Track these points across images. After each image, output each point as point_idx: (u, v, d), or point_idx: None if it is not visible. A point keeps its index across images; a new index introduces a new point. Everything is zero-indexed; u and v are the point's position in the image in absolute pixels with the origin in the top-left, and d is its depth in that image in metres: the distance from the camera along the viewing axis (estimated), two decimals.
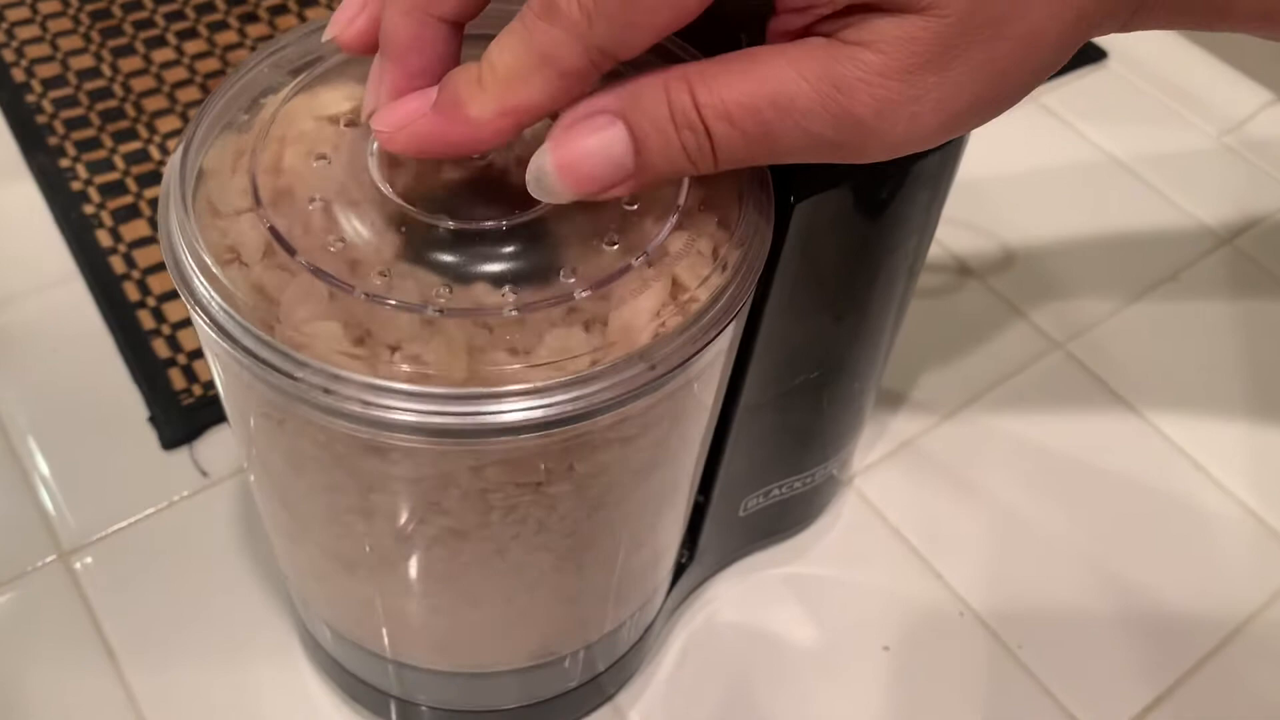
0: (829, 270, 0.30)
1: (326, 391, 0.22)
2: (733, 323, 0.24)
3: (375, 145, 0.26)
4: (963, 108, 0.22)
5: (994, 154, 0.53)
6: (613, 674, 0.35)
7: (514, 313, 0.23)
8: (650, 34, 0.21)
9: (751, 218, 0.25)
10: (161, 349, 0.44)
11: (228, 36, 0.56)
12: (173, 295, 0.45)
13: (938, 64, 0.21)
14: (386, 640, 0.32)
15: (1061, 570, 0.42)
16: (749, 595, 0.40)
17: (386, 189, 0.25)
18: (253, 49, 0.55)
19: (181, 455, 0.41)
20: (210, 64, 0.54)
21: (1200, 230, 0.54)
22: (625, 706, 0.37)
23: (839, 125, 0.22)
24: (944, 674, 0.39)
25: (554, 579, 0.28)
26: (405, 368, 0.22)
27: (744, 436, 0.33)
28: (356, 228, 0.24)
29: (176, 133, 0.51)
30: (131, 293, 0.46)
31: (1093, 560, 0.42)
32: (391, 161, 0.26)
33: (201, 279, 0.23)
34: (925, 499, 0.43)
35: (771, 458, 0.35)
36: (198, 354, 0.44)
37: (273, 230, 0.24)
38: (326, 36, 0.26)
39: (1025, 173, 0.55)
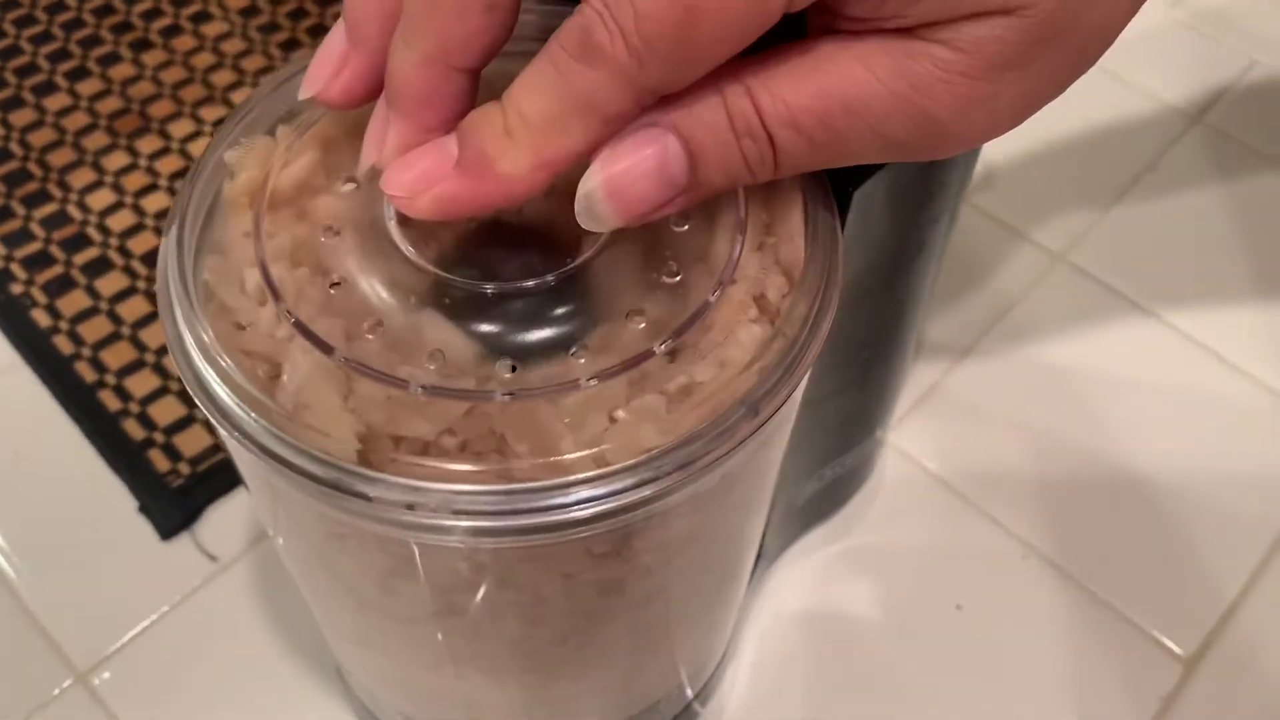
0: (881, 248, 0.27)
1: (410, 508, 0.20)
2: (821, 339, 0.22)
3: (392, 208, 0.23)
4: (1038, 96, 0.20)
5: None
6: (700, 697, 0.34)
7: (593, 382, 0.21)
8: (706, 67, 0.19)
9: (822, 218, 0.23)
10: (134, 430, 0.40)
11: (123, 70, 0.51)
12: (132, 369, 0.42)
13: (1021, 61, 0.19)
14: None
15: (1111, 489, 0.41)
16: (809, 580, 0.38)
17: (412, 253, 0.22)
18: (154, 79, 0.50)
19: (183, 543, 0.38)
20: (111, 103, 0.50)
21: (1168, 112, 0.52)
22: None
23: (915, 127, 0.20)
24: (1022, 623, 0.38)
25: (656, 637, 0.26)
26: (491, 466, 0.20)
27: (802, 433, 0.31)
28: (392, 307, 0.22)
29: (93, 187, 0.47)
30: (86, 373, 0.42)
31: (1139, 473, 0.41)
32: (406, 221, 0.23)
33: (233, 397, 0.20)
34: (963, 443, 0.42)
35: (826, 444, 0.34)
36: (176, 428, 0.40)
37: (299, 326, 0.21)
38: (304, 95, 0.22)
39: None
